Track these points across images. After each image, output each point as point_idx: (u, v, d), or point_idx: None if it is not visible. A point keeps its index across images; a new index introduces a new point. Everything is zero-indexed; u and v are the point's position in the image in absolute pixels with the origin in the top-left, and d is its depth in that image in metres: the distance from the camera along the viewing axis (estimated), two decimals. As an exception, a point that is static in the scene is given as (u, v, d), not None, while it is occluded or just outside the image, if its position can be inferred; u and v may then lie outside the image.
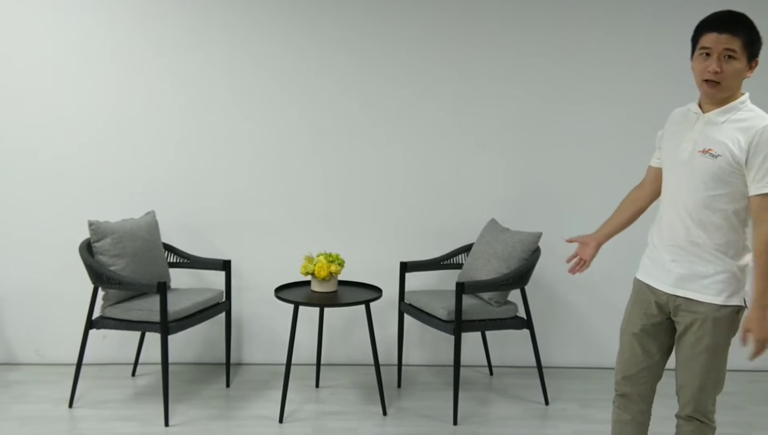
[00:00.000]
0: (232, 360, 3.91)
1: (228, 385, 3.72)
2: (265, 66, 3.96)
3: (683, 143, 2.25)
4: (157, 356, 3.23)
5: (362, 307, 3.41)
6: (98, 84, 3.90)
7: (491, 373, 4.00)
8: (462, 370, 3.64)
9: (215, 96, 3.96)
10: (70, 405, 3.38)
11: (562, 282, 3.96)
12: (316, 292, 3.42)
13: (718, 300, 2.20)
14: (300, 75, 3.97)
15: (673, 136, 2.32)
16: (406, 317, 3.74)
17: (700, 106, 2.26)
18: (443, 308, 3.36)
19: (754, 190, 2.13)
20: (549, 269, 3.85)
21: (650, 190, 2.51)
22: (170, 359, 3.31)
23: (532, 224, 3.82)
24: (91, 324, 3.34)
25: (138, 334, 3.82)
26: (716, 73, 2.13)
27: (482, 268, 3.53)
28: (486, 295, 3.50)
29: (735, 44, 2.12)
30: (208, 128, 3.97)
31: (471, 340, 4.01)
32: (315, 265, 3.39)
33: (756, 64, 2.18)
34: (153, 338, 3.79)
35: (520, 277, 3.44)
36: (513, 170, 4.02)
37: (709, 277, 2.21)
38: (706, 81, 2.16)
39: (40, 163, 3.91)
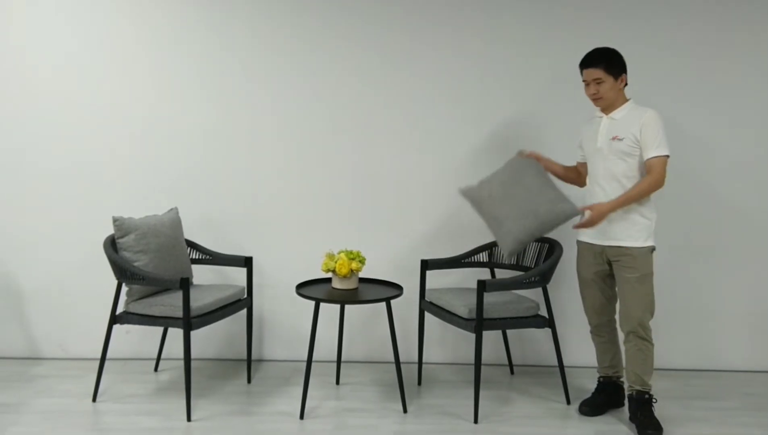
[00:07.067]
0: (254, 356, 3.92)
1: (249, 381, 3.74)
2: (289, 63, 3.97)
3: (598, 136, 3.19)
4: (180, 352, 3.26)
5: (383, 304, 3.41)
6: (121, 82, 3.95)
7: (512, 372, 3.98)
8: (483, 369, 3.64)
9: (238, 93, 3.98)
10: (94, 399, 3.42)
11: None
12: (337, 289, 3.43)
13: (639, 243, 3.11)
14: (323, 73, 3.98)
15: (589, 135, 3.27)
16: (427, 315, 3.74)
17: (602, 111, 3.22)
18: (464, 306, 3.34)
19: (647, 155, 3.06)
20: (571, 268, 3.82)
21: (584, 178, 3.44)
22: (192, 355, 3.34)
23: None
24: (114, 319, 3.36)
25: (161, 329, 3.85)
26: (594, 94, 3.15)
27: (513, 224, 3.19)
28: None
29: (598, 73, 3.11)
30: (231, 125, 3.99)
31: (492, 338, 3.99)
32: (336, 262, 3.39)
33: (624, 77, 3.14)
34: (175, 334, 3.83)
35: (542, 275, 3.41)
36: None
37: (630, 228, 3.11)
38: (592, 100, 3.19)
39: (65, 160, 3.96)
